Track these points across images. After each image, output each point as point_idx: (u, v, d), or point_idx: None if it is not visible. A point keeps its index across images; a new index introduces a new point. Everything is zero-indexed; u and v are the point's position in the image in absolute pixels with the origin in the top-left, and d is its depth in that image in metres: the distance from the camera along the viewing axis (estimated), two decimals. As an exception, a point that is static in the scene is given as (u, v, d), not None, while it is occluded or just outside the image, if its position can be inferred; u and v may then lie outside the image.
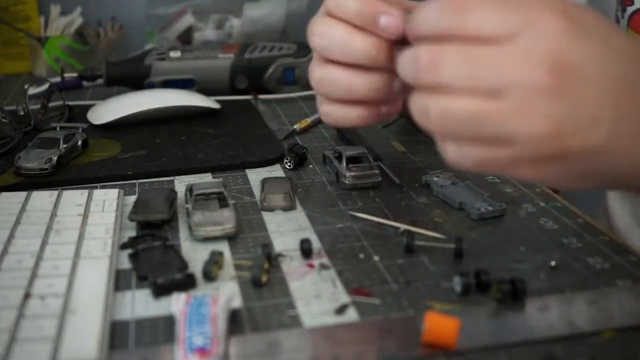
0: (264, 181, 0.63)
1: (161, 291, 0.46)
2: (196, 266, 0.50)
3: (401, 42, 0.45)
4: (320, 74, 0.49)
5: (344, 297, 0.46)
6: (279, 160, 0.71)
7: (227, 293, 0.46)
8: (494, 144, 0.39)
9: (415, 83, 0.41)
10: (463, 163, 0.41)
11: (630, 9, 0.67)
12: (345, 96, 0.48)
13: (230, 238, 0.54)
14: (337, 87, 0.48)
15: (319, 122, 0.82)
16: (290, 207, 0.60)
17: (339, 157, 0.65)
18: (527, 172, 0.40)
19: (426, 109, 0.40)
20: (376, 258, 0.51)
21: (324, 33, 0.48)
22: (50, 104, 0.83)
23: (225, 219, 0.54)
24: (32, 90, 0.81)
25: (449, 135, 0.41)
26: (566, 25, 0.37)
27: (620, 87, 0.38)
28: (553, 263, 0.50)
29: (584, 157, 0.38)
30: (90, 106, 0.85)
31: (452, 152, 0.41)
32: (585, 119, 0.37)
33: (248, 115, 0.86)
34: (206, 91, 0.89)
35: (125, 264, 0.50)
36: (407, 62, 0.41)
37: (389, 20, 0.45)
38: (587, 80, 0.37)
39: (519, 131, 0.37)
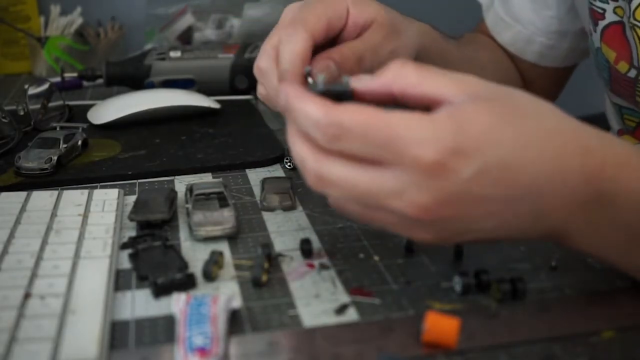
0: (264, 181, 0.63)
1: (161, 291, 0.46)
2: (196, 266, 0.50)
3: None
4: (264, 67, 0.53)
5: (344, 297, 0.46)
6: (279, 160, 0.71)
7: (227, 293, 0.46)
8: (372, 209, 0.40)
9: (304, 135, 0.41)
10: (344, 214, 0.44)
11: (602, 23, 0.68)
12: (273, 94, 0.53)
13: (230, 238, 0.54)
14: (270, 85, 0.53)
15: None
16: (290, 207, 0.60)
17: (339, 157, 0.65)
18: (424, 238, 0.41)
19: (304, 162, 0.41)
20: (376, 258, 0.51)
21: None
22: (50, 104, 0.83)
23: (225, 219, 0.54)
24: (32, 90, 0.81)
25: (323, 190, 0.41)
26: (432, 167, 0.37)
27: (498, 198, 0.39)
28: (553, 263, 0.50)
29: (476, 234, 0.41)
30: (90, 106, 0.85)
31: (332, 200, 0.42)
32: (469, 215, 0.39)
33: (248, 115, 0.86)
34: (206, 91, 0.89)
35: (125, 264, 0.50)
36: (306, 120, 0.40)
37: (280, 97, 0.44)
38: (467, 207, 0.39)
39: (392, 205, 0.39)
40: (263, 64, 0.53)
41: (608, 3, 0.66)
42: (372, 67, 0.51)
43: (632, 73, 0.66)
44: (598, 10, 0.68)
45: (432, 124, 0.38)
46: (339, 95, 0.42)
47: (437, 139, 0.37)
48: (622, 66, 0.66)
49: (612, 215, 0.41)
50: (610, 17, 0.67)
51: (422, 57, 0.60)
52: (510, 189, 0.39)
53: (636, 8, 0.62)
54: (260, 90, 0.55)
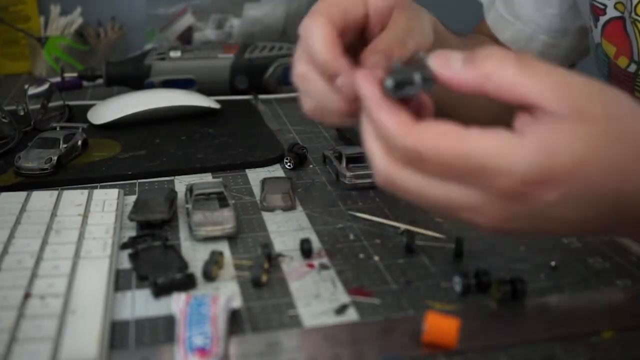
0: (264, 181, 0.63)
1: (161, 291, 0.46)
2: (196, 266, 0.50)
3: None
4: (302, 71, 0.48)
5: (344, 297, 0.46)
6: (279, 160, 0.71)
7: (227, 293, 0.46)
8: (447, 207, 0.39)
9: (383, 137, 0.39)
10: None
11: (603, 19, 0.68)
12: (323, 101, 0.47)
13: (230, 238, 0.54)
14: (316, 91, 0.47)
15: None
16: (290, 207, 0.60)
17: (339, 157, 0.65)
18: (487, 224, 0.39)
19: (374, 159, 0.40)
20: (376, 258, 0.51)
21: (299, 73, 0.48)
22: (50, 104, 0.83)
23: (225, 219, 0.54)
24: (32, 90, 0.81)
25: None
26: (513, 192, 0.36)
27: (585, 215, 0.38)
28: (553, 263, 0.50)
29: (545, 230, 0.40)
30: (90, 106, 0.85)
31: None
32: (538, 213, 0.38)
33: (248, 115, 0.86)
34: (206, 91, 0.89)
35: (125, 264, 0.50)
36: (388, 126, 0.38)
37: (344, 83, 0.44)
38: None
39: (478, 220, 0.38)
40: (300, 68, 0.49)
41: None
42: (412, 51, 0.48)
43: (632, 68, 0.67)
44: (599, 6, 0.68)
45: (521, 151, 0.36)
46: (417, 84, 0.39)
47: (524, 172, 0.35)
48: (622, 61, 0.67)
49: None
50: (611, 12, 0.67)
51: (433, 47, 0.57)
52: (592, 210, 0.38)
53: (637, 3, 0.63)
54: (307, 104, 0.50)
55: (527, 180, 0.36)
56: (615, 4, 0.66)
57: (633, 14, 0.64)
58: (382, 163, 0.40)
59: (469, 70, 0.38)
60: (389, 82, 0.39)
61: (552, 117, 0.36)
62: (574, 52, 0.81)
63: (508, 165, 0.36)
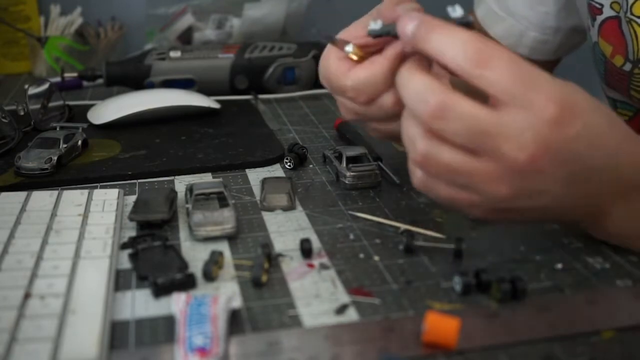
0: (264, 181, 0.63)
1: (161, 291, 0.46)
2: (196, 266, 0.50)
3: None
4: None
5: (344, 297, 0.46)
6: (279, 160, 0.71)
7: (227, 293, 0.46)
8: (460, 189, 0.45)
9: (414, 116, 0.44)
10: (426, 192, 0.47)
11: (599, 18, 0.69)
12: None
13: (230, 238, 0.54)
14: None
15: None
16: (290, 207, 0.60)
17: (339, 157, 0.65)
18: (481, 215, 0.46)
19: (414, 141, 0.45)
20: (376, 258, 0.51)
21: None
22: (50, 104, 0.83)
23: (225, 219, 0.54)
24: (32, 90, 0.81)
25: (424, 169, 0.45)
26: (556, 117, 0.41)
27: (575, 168, 0.44)
28: (560, 266, 0.50)
29: (529, 213, 0.46)
30: (90, 106, 0.85)
31: (420, 179, 0.47)
32: (538, 189, 0.44)
33: (248, 115, 0.86)
34: (206, 91, 0.89)
35: (125, 264, 0.50)
36: (416, 96, 0.44)
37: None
38: (553, 167, 0.43)
39: (485, 189, 0.44)
40: (332, 66, 0.54)
41: None
42: None
43: (627, 67, 0.67)
44: (596, 6, 0.69)
45: (544, 96, 0.41)
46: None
47: (556, 92, 0.42)
48: (618, 60, 0.68)
49: None
50: (607, 12, 0.68)
51: None
52: (592, 158, 0.44)
53: (633, 3, 0.64)
54: (346, 107, 0.55)
55: (560, 102, 0.41)
56: (612, 3, 0.67)
57: (628, 14, 0.64)
58: (420, 141, 0.44)
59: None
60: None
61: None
62: (565, 47, 0.82)
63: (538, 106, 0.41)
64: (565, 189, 0.44)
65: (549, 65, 0.85)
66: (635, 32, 0.64)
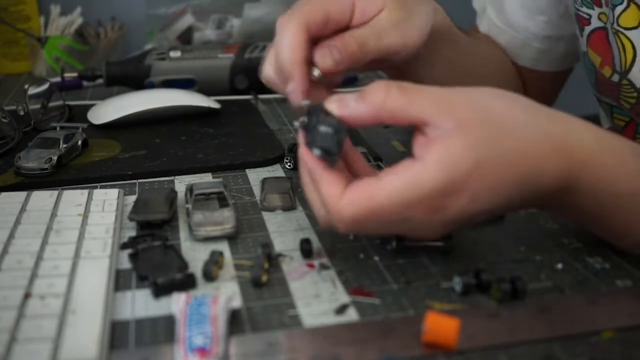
0: (264, 181, 0.63)
1: (161, 291, 0.46)
2: (196, 266, 0.50)
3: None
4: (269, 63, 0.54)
5: (344, 297, 0.46)
6: (279, 160, 0.71)
7: (227, 293, 0.46)
8: (395, 227, 0.46)
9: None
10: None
11: (587, 29, 0.68)
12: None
13: (230, 238, 0.54)
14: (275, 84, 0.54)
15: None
16: (290, 207, 0.60)
17: (339, 157, 0.65)
18: (433, 235, 0.48)
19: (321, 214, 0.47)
20: (376, 258, 0.51)
21: None
22: (50, 104, 0.83)
23: (225, 219, 0.54)
24: (32, 90, 0.81)
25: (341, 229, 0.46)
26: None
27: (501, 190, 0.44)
28: (560, 266, 0.50)
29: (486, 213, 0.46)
30: (90, 106, 0.85)
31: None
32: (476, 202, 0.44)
33: (248, 115, 0.86)
34: (206, 91, 0.89)
35: (125, 264, 0.50)
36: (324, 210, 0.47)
37: (292, 90, 0.50)
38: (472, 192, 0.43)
39: (422, 228, 0.45)
40: (265, 71, 0.54)
41: (593, 9, 0.67)
42: (378, 51, 0.52)
43: (615, 78, 0.66)
44: (584, 16, 0.68)
45: (426, 174, 0.42)
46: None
47: (432, 189, 0.42)
48: (606, 71, 0.67)
49: (577, 202, 0.47)
50: (595, 22, 0.67)
51: (433, 39, 0.58)
52: (501, 198, 0.44)
53: (620, 14, 0.63)
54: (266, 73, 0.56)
55: (438, 195, 0.42)
56: (599, 14, 0.66)
57: (615, 25, 0.64)
58: (324, 217, 0.46)
59: (362, 105, 0.44)
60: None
61: (442, 132, 0.42)
62: (570, 56, 0.81)
63: (420, 191, 0.42)
64: (511, 191, 0.44)
65: (558, 76, 0.83)
66: (622, 43, 0.64)
